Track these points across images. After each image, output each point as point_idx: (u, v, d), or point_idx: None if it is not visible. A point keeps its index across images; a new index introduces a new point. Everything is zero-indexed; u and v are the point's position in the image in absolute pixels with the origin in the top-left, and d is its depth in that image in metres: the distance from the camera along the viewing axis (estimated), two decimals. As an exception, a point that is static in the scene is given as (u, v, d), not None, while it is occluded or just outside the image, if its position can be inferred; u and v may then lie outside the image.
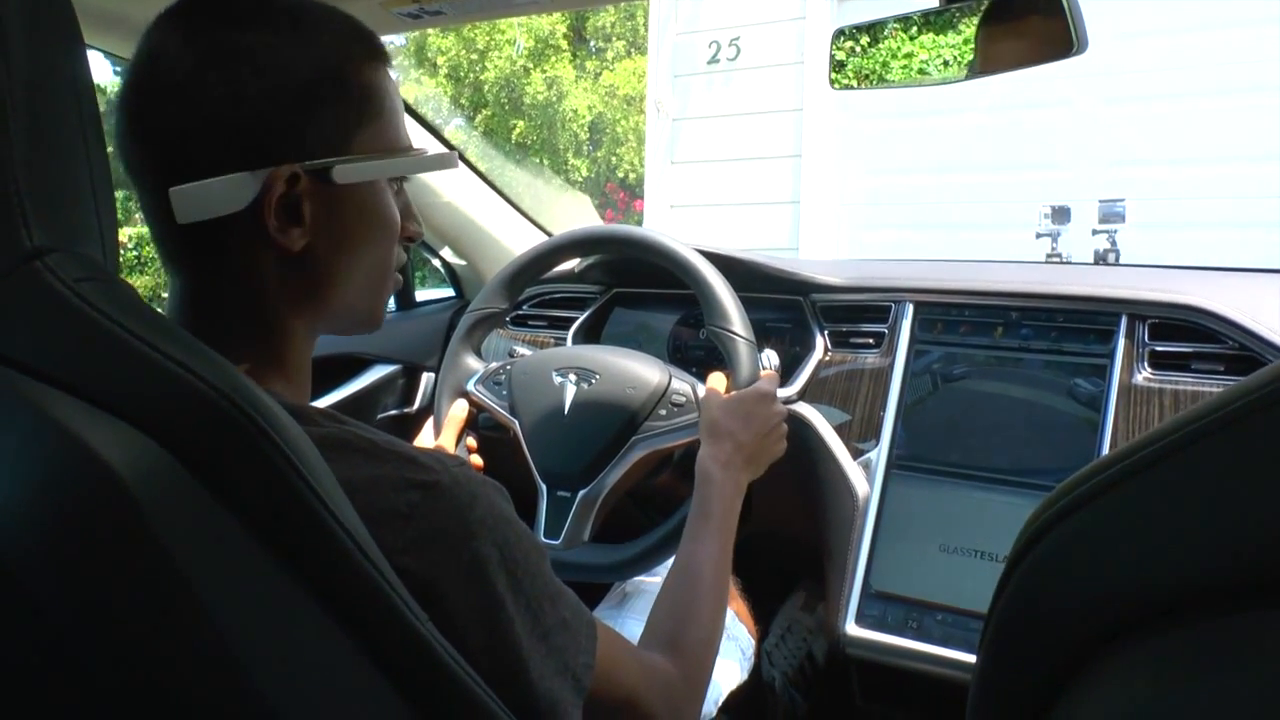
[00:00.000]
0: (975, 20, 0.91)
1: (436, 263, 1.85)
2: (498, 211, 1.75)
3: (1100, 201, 3.52)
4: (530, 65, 8.02)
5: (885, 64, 1.04)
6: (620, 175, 8.04)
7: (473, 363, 1.38)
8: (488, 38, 8.07)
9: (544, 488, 1.25)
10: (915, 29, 1.00)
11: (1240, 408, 0.31)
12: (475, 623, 0.61)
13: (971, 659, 1.13)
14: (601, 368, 1.26)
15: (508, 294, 1.39)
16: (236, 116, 0.63)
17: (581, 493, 1.22)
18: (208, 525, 0.48)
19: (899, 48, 1.03)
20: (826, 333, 1.41)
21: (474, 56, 8.19)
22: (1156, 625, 0.33)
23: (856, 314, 1.40)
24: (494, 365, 1.35)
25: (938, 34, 0.98)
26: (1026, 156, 4.40)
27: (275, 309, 0.69)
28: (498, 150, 8.26)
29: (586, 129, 8.04)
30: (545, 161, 8.05)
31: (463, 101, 8.62)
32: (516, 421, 1.29)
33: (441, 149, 1.52)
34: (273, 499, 0.50)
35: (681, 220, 5.28)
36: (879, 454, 1.28)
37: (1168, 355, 1.19)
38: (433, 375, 1.74)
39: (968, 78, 0.96)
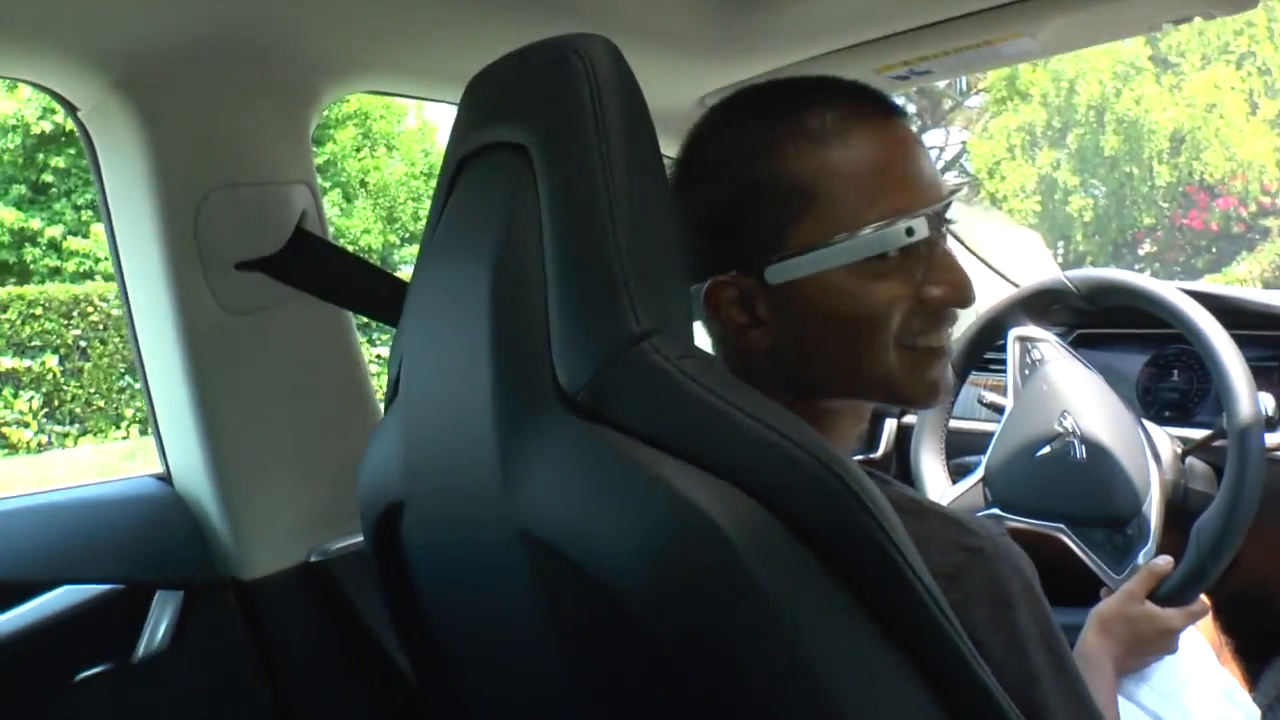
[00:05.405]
0: None
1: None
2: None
3: None
4: (1119, 86, 9.23)
5: None
6: (1198, 178, 8.83)
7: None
8: (1075, 68, 9.37)
9: (987, 493, 1.28)
10: None
11: None
12: (1009, 694, 0.59)
13: None
14: (1093, 458, 1.20)
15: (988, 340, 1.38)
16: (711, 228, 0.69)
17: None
18: (803, 580, 0.54)
19: None
20: None
21: (1063, 84, 9.55)
22: None
23: None
24: (1018, 348, 1.32)
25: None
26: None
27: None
28: (1088, 163, 9.55)
29: (1168, 138, 9.01)
30: (1134, 171, 9.19)
31: (1054, 123, 9.91)
32: (1007, 411, 1.30)
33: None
34: (867, 560, 0.54)
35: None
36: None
37: None
38: (894, 421, 1.76)
39: None
